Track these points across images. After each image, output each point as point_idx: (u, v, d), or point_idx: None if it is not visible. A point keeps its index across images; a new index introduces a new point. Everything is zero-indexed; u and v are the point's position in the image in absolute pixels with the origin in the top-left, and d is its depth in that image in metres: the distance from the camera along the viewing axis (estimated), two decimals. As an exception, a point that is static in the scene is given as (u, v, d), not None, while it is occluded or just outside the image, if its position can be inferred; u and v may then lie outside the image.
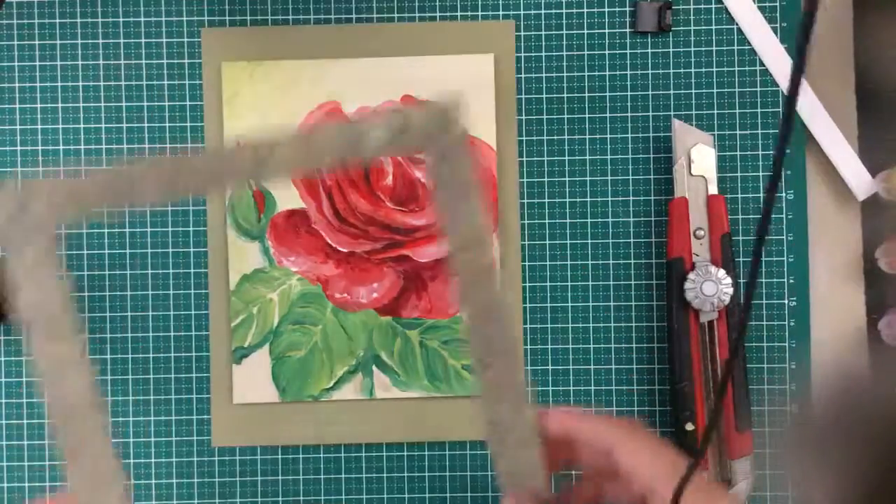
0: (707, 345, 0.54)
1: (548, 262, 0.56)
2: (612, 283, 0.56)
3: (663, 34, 0.56)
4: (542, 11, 0.56)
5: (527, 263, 0.56)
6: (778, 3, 0.56)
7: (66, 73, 0.56)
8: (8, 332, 0.56)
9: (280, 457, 0.56)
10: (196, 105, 0.56)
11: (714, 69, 0.56)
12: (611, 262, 0.56)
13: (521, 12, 0.56)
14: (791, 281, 0.56)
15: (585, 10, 0.56)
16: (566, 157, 0.56)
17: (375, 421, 0.56)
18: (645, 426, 0.48)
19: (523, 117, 0.56)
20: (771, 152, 0.56)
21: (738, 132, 0.56)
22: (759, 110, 0.56)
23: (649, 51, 0.56)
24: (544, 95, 0.56)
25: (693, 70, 0.56)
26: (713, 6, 0.56)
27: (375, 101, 0.55)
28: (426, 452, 0.56)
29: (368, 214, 0.55)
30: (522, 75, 0.56)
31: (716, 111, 0.56)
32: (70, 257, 0.56)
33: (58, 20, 0.56)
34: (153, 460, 0.56)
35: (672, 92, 0.56)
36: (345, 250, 0.55)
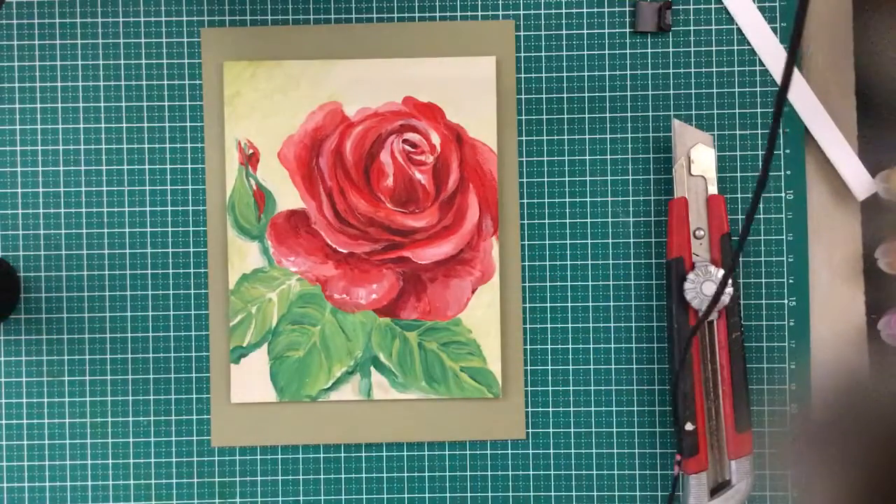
0: (707, 345, 0.54)
1: (548, 262, 0.56)
2: (611, 283, 0.56)
3: (663, 34, 0.56)
4: (542, 11, 0.56)
5: (527, 263, 0.56)
6: (778, 3, 0.56)
7: (65, 73, 0.56)
8: (8, 332, 0.56)
9: (279, 457, 0.56)
10: (196, 105, 0.56)
11: (714, 69, 0.56)
12: (611, 262, 0.56)
13: (521, 12, 0.56)
14: (791, 281, 0.56)
15: (585, 10, 0.56)
16: (566, 157, 0.56)
17: (373, 422, 0.56)
18: None
19: (523, 117, 0.56)
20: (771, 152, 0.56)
21: (737, 132, 0.56)
22: (758, 110, 0.56)
23: (649, 51, 0.56)
24: (544, 96, 0.56)
25: (693, 70, 0.56)
26: (713, 6, 0.56)
27: (377, 103, 0.55)
28: (426, 452, 0.56)
29: (368, 215, 0.55)
30: (522, 75, 0.56)
31: (716, 111, 0.56)
32: (70, 257, 0.56)
33: (58, 20, 0.56)
34: (153, 460, 0.56)
35: (672, 92, 0.56)
36: (344, 251, 0.55)
